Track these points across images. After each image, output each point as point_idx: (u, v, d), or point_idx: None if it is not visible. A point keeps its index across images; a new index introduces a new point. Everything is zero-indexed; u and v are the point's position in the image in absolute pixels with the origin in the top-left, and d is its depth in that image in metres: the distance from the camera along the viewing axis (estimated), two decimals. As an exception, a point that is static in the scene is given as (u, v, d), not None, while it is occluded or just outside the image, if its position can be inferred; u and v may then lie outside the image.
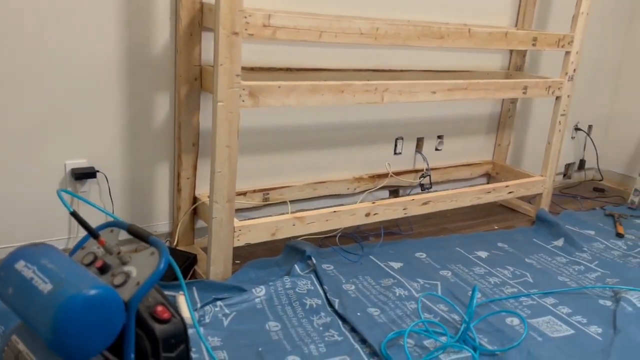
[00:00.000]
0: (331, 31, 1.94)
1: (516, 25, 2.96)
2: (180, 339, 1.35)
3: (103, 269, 1.33)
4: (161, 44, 1.98)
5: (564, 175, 3.61)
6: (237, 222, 1.95)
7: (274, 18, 1.81)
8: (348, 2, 2.37)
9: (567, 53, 2.70)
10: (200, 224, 2.22)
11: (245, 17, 1.75)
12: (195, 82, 2.02)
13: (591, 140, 3.62)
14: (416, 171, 2.85)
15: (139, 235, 1.37)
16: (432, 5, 2.62)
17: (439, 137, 2.91)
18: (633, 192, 3.24)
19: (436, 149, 2.92)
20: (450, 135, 2.95)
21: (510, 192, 2.74)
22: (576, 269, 2.35)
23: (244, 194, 2.30)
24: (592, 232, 2.78)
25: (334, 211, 2.17)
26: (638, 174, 3.27)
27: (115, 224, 1.43)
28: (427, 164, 2.84)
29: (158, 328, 1.32)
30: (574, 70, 2.74)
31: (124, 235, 1.62)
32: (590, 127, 3.61)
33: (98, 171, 1.97)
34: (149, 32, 1.95)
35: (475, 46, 2.34)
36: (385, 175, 2.72)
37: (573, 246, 2.56)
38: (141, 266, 1.29)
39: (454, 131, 2.95)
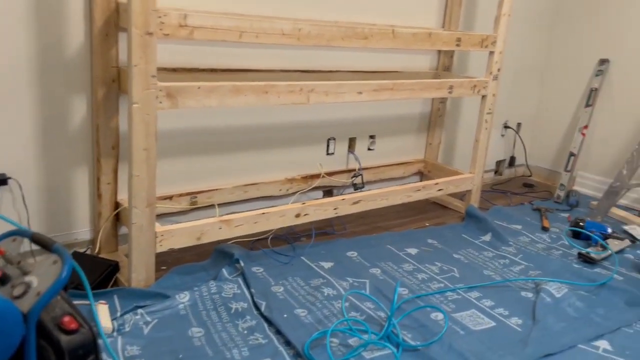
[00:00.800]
0: (252, 31, 1.93)
1: (443, 26, 3.02)
2: (88, 349, 1.30)
3: (2, 280, 1.26)
4: (75, 45, 1.91)
5: (495, 172, 3.72)
6: (158, 227, 1.90)
7: (191, 18, 1.78)
8: (276, 3, 2.36)
9: (491, 53, 2.78)
10: (123, 230, 2.16)
11: (160, 17, 1.71)
12: (112, 84, 1.96)
13: (520, 137, 3.74)
14: (349, 171, 2.87)
15: (43, 244, 1.32)
16: (360, 7, 2.65)
17: (371, 137, 2.94)
18: (559, 186, 3.37)
19: (368, 149, 2.95)
20: (382, 135, 2.98)
21: (439, 190, 2.80)
22: (501, 263, 2.42)
23: (169, 197, 2.25)
24: (519, 227, 2.87)
25: (263, 213, 2.15)
26: (563, 169, 3.40)
27: (17, 233, 1.36)
28: (360, 164, 2.86)
29: (64, 339, 1.27)
30: (498, 69, 2.82)
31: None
32: (519, 124, 3.73)
33: (10, 178, 1.88)
34: (62, 32, 1.87)
35: (400, 46, 2.37)
36: (318, 176, 2.72)
37: (500, 240, 2.63)
38: (43, 276, 1.24)
39: (386, 131, 2.99)
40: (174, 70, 2.13)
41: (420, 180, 3.26)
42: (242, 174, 2.48)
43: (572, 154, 3.39)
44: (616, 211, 3.08)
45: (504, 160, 3.74)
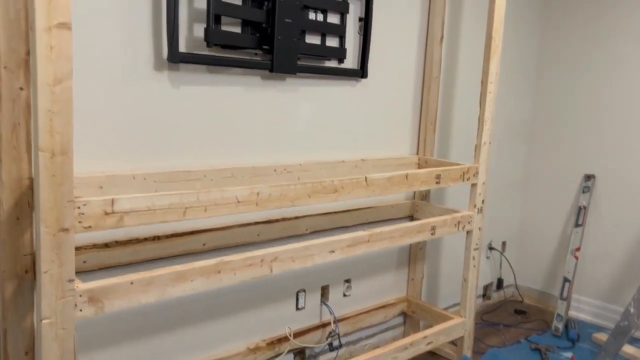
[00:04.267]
0: (199, 205, 1.60)
1: (417, 153, 2.77)
2: None
3: None
4: (-23, 233, 1.54)
5: (483, 297, 3.39)
6: None
7: (120, 202, 1.44)
8: (234, 150, 2.06)
9: (474, 185, 2.51)
10: None
11: (79, 207, 1.37)
12: (26, 275, 1.57)
13: (506, 258, 3.44)
14: (324, 325, 2.48)
15: None
16: (326, 143, 2.37)
17: (346, 281, 2.59)
18: (556, 317, 3.04)
19: (344, 295, 2.59)
20: (358, 277, 2.63)
21: (429, 343, 2.43)
22: None
23: (103, 400, 1.81)
24: (521, 379, 2.50)
25: (219, 417, 1.73)
26: (559, 296, 3.09)
27: None
28: (335, 318, 2.48)
29: None
30: (483, 201, 2.55)
31: None
32: (503, 244, 3.44)
33: None
34: (-40, 219, 1.51)
35: (375, 194, 2.08)
36: (287, 339, 2.33)
37: (504, 408, 2.25)
38: None
39: (362, 271, 2.65)
40: (106, 245, 1.77)
41: (404, 323, 2.89)
42: (191, 352, 2.07)
43: (566, 280, 3.08)
44: (625, 348, 2.74)
45: (492, 283, 3.42)
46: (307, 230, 2.33)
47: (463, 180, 2.44)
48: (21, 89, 1.49)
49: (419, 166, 2.71)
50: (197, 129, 1.96)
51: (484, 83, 2.47)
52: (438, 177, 2.33)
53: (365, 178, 2.03)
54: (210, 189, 1.62)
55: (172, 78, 1.86)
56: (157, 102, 1.84)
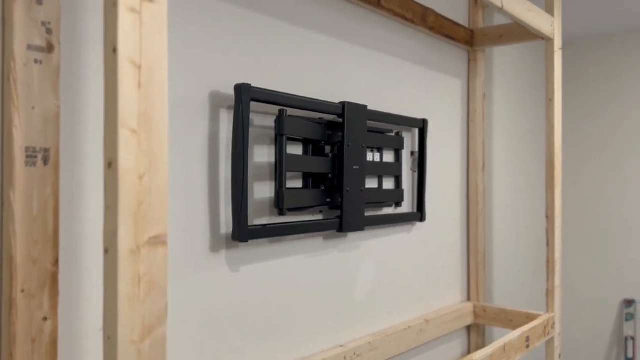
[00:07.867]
0: None
1: (468, 298, 2.36)
2: None
3: None
4: None
5: None
6: None
7: None
8: (299, 338, 1.53)
9: (550, 340, 2.12)
10: None
11: None
12: None
13: (548, 400, 3.02)
14: None
15: None
16: (387, 304, 1.91)
17: None
18: None
19: None
20: None
21: None
22: None
23: None
24: None
25: None
26: None
27: None
28: None
29: None
30: (559, 355, 2.15)
31: None
32: (541, 383, 3.04)
33: None
34: None
35: (481, 380, 1.61)
36: None
37: None
38: None
39: None
40: None
41: None
42: None
43: None
44: None
45: None
46: None
47: (545, 336, 2.05)
48: (45, 319, 0.94)
49: (476, 315, 2.30)
50: (254, 319, 1.43)
51: (549, 217, 2.16)
52: (527, 339, 1.92)
53: (473, 363, 1.57)
54: None
55: (230, 259, 1.35)
56: (212, 295, 1.31)
